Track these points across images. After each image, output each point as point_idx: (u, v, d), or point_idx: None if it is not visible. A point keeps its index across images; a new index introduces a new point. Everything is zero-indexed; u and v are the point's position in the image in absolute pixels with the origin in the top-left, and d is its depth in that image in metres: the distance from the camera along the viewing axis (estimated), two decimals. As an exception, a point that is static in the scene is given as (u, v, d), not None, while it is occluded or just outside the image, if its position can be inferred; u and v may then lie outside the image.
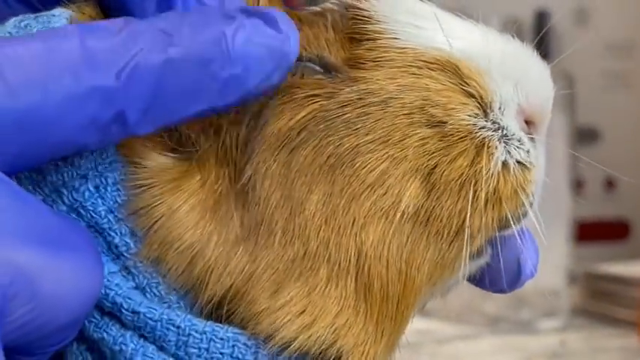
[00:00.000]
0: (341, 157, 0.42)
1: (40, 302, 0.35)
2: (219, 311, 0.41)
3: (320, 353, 0.41)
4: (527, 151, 0.44)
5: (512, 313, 1.28)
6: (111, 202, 0.40)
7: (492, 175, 0.43)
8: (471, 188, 0.42)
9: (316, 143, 0.42)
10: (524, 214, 0.45)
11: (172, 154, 0.42)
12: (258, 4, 0.45)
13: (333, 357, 0.41)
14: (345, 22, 0.45)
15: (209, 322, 0.40)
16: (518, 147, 0.44)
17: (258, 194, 0.41)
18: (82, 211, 0.40)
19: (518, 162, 0.44)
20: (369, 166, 0.42)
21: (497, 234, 0.44)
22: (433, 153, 0.42)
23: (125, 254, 0.40)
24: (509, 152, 0.44)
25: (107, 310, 0.40)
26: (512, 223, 0.44)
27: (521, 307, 1.27)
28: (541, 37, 1.51)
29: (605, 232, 1.74)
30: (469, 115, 0.43)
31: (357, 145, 0.42)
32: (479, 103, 0.44)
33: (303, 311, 0.41)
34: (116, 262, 0.41)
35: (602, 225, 1.73)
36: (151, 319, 0.40)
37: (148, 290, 0.41)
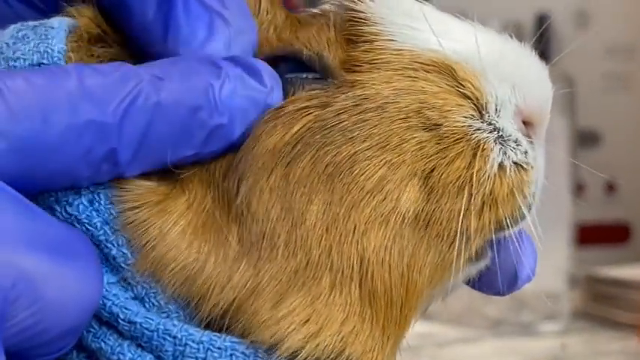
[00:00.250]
0: (339, 166, 0.42)
1: (42, 307, 0.36)
2: (222, 321, 0.41)
3: None
4: (525, 152, 0.44)
5: (513, 315, 1.28)
6: (106, 215, 0.40)
7: (489, 176, 0.43)
8: (467, 190, 0.42)
9: (313, 154, 0.42)
10: (523, 216, 0.44)
11: (156, 177, 0.42)
12: (259, 4, 0.45)
13: None
14: (342, 24, 0.45)
15: (206, 332, 0.40)
16: (514, 148, 0.44)
17: (256, 211, 0.41)
18: (76, 224, 0.40)
19: (515, 163, 0.44)
20: (367, 172, 0.42)
21: (495, 236, 0.44)
22: (430, 156, 0.43)
23: (123, 265, 0.40)
24: (505, 153, 0.44)
25: (105, 319, 0.40)
26: (509, 224, 0.44)
27: (522, 310, 1.27)
28: (541, 39, 1.51)
29: (606, 236, 1.74)
30: (465, 117, 0.43)
31: (355, 152, 0.42)
32: (474, 104, 0.44)
33: (308, 320, 0.41)
34: (114, 274, 0.41)
35: (603, 228, 1.73)
36: (147, 329, 0.40)
37: (147, 300, 0.41)
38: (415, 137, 0.42)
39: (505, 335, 1.25)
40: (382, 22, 0.44)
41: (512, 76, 0.44)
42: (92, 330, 0.41)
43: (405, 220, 0.42)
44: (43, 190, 0.39)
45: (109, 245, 0.40)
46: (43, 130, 0.37)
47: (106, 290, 0.40)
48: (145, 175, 0.41)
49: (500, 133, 0.44)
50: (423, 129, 0.43)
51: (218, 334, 0.40)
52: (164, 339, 0.40)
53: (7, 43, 0.41)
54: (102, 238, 0.40)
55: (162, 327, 0.40)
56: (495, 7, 1.64)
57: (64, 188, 0.40)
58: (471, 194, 0.43)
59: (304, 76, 0.43)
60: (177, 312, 0.41)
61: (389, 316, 0.43)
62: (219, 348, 0.40)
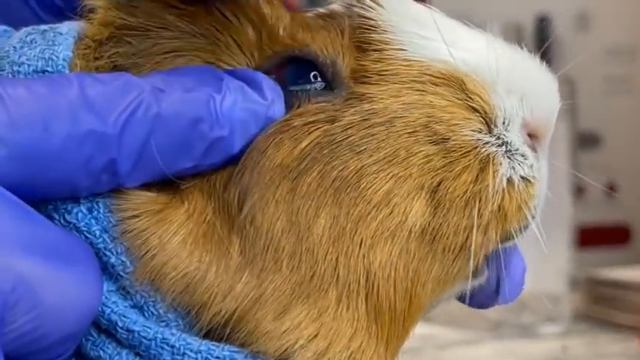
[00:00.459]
0: (346, 180, 0.42)
1: (42, 312, 0.36)
2: (222, 330, 0.41)
3: None
4: (531, 166, 0.44)
5: (514, 318, 1.28)
6: (105, 223, 0.40)
7: (497, 191, 0.43)
8: (476, 205, 0.42)
9: (321, 168, 0.42)
10: (526, 227, 0.45)
11: (155, 187, 0.42)
12: (260, 11, 0.45)
13: None
14: (353, 30, 0.45)
15: (205, 341, 0.40)
16: (522, 162, 0.44)
17: (261, 224, 0.41)
18: (75, 232, 0.40)
19: (523, 177, 0.44)
20: (374, 186, 0.42)
21: (500, 248, 0.44)
22: (437, 170, 0.42)
23: (121, 273, 0.40)
24: (513, 168, 0.44)
25: (103, 327, 0.40)
26: (515, 236, 0.44)
27: (522, 312, 1.27)
28: (542, 42, 1.51)
29: (606, 238, 1.74)
30: (473, 131, 0.43)
31: (362, 166, 0.42)
32: (483, 118, 0.43)
33: (317, 335, 0.41)
34: (113, 282, 0.41)
35: (603, 230, 1.73)
36: (145, 337, 0.40)
37: (146, 309, 0.41)
38: (422, 151, 0.42)
39: (505, 337, 1.25)
40: (392, 30, 0.44)
41: (521, 88, 0.44)
42: (91, 338, 0.41)
43: (412, 235, 0.42)
44: (43, 199, 0.39)
45: (108, 253, 0.40)
46: (43, 139, 0.37)
47: (106, 297, 0.40)
48: (145, 185, 0.41)
49: (509, 147, 0.44)
50: (430, 143, 0.43)
51: (216, 344, 0.40)
52: (162, 348, 0.40)
53: (14, 47, 0.41)
54: (101, 246, 0.40)
55: (160, 336, 0.40)
56: (496, 9, 1.65)
57: (64, 197, 0.40)
58: (479, 209, 0.42)
59: (308, 87, 0.43)
60: (176, 321, 0.41)
61: (392, 331, 0.43)
62: (217, 357, 0.40)
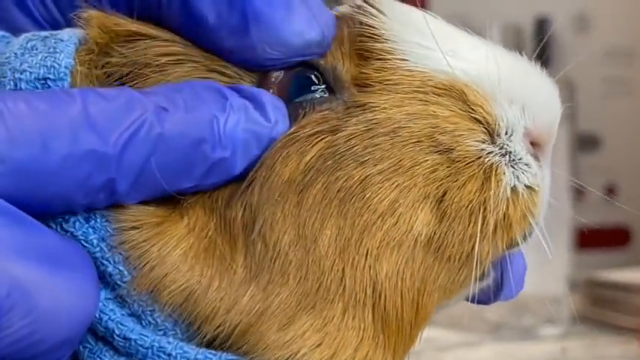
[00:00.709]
0: (351, 190, 0.42)
1: (37, 317, 0.36)
2: (224, 342, 0.41)
3: None
4: (535, 175, 0.45)
5: (514, 320, 1.28)
6: (102, 232, 0.40)
7: (502, 200, 0.43)
8: (481, 214, 0.43)
9: (325, 179, 0.42)
10: (530, 234, 0.45)
11: (154, 201, 0.41)
12: None
13: None
14: (354, 38, 0.44)
15: (201, 350, 0.40)
16: (525, 171, 0.44)
17: (270, 240, 0.41)
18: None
19: (527, 186, 0.44)
20: (379, 196, 0.42)
21: (504, 255, 0.45)
22: (442, 179, 0.42)
23: (119, 283, 0.40)
24: (517, 177, 0.44)
25: (100, 334, 0.40)
26: (519, 244, 0.44)
27: (522, 314, 1.27)
28: (541, 43, 1.51)
29: (606, 239, 1.74)
30: (477, 141, 0.43)
31: (367, 176, 0.42)
32: (486, 128, 0.44)
33: (320, 344, 0.41)
34: (111, 291, 0.41)
35: (603, 232, 1.73)
36: (142, 345, 0.40)
37: (143, 317, 0.41)
38: (427, 160, 0.42)
39: (505, 339, 1.25)
40: (394, 40, 0.44)
41: (522, 98, 0.44)
42: (88, 345, 0.41)
43: (418, 244, 0.42)
44: (38, 215, 0.39)
45: (105, 262, 0.40)
46: (41, 156, 0.37)
47: (103, 305, 0.40)
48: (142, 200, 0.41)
49: (512, 157, 0.44)
50: (435, 152, 0.43)
51: (213, 352, 0.40)
52: (158, 356, 0.40)
53: (15, 54, 0.41)
54: (98, 255, 0.40)
55: (156, 344, 0.40)
56: (495, 11, 1.65)
57: (59, 213, 0.40)
58: (484, 218, 0.43)
59: (310, 97, 0.43)
60: (173, 329, 0.41)
61: (399, 340, 0.43)
62: None
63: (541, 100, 0.45)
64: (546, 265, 1.19)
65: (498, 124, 0.44)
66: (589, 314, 1.35)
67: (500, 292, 0.46)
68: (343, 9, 0.46)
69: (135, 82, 0.42)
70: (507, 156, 0.44)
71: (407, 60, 0.44)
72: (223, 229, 0.42)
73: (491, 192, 0.43)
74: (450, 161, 0.43)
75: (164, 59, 0.42)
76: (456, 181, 0.43)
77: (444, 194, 0.42)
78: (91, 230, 0.40)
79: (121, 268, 0.40)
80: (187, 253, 0.41)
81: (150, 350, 0.40)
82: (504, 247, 0.44)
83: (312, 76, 0.43)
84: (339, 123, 0.42)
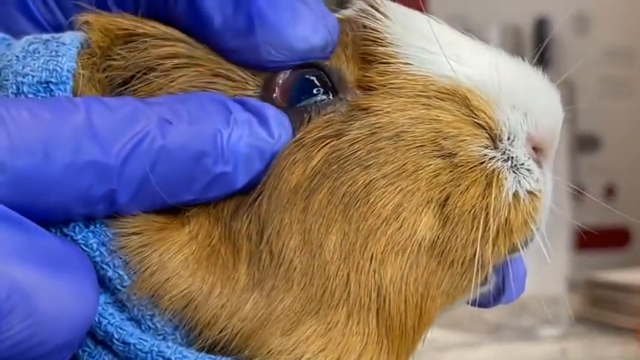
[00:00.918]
0: (355, 195, 0.42)
1: (37, 320, 0.36)
2: (226, 347, 0.40)
3: None
4: (537, 180, 0.45)
5: (513, 320, 1.28)
6: (102, 237, 0.40)
7: (503, 205, 0.43)
8: (484, 219, 0.43)
9: (330, 185, 0.42)
10: (532, 239, 0.45)
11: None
12: None
13: None
14: (358, 41, 0.44)
15: (201, 354, 0.40)
16: (527, 176, 0.44)
17: (274, 246, 0.41)
18: None
19: (528, 191, 0.44)
20: (383, 200, 0.42)
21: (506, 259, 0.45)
22: (445, 184, 0.42)
23: (119, 287, 0.40)
24: (519, 182, 0.44)
25: (100, 338, 0.40)
26: (520, 249, 0.44)
27: (522, 314, 1.27)
28: (541, 44, 1.51)
29: (606, 240, 1.74)
30: (479, 147, 0.43)
31: (370, 181, 0.42)
32: (488, 134, 0.44)
33: (324, 349, 0.41)
34: (110, 295, 0.41)
35: (603, 232, 1.73)
36: (141, 350, 0.40)
37: (143, 322, 0.40)
38: (430, 165, 0.42)
39: (505, 340, 1.25)
40: (398, 44, 0.44)
41: (525, 103, 0.44)
42: (87, 349, 0.40)
43: (422, 248, 0.42)
44: (39, 224, 0.38)
45: (105, 266, 0.40)
46: (43, 165, 0.37)
47: (102, 309, 0.40)
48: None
49: (514, 162, 0.44)
50: (438, 157, 0.43)
51: (213, 357, 0.40)
52: None
53: (17, 57, 0.41)
54: (98, 259, 0.40)
55: (155, 349, 0.40)
56: (495, 12, 1.65)
57: (58, 222, 0.39)
58: (486, 223, 0.43)
59: (314, 100, 0.43)
60: (173, 334, 0.41)
61: (403, 345, 0.43)
62: None
63: (543, 106, 0.45)
64: (546, 266, 1.19)
65: (501, 130, 0.44)
66: (588, 315, 1.35)
67: (501, 296, 0.46)
68: (348, 12, 0.46)
69: (138, 86, 0.42)
70: (509, 161, 0.44)
71: (410, 64, 0.44)
72: (228, 239, 0.41)
73: (493, 197, 0.43)
74: (452, 166, 0.43)
75: (168, 63, 0.42)
76: (458, 185, 0.43)
77: (447, 199, 0.42)
78: (90, 235, 0.40)
79: (121, 272, 0.40)
80: (189, 259, 0.41)
81: (149, 355, 0.40)
82: (506, 251, 0.44)
83: (315, 79, 0.43)
84: (343, 127, 0.42)
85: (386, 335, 0.42)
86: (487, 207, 0.43)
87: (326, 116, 0.43)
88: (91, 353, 0.40)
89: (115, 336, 0.40)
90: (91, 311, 0.38)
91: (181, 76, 0.42)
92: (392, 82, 0.43)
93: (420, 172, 0.42)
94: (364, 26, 0.45)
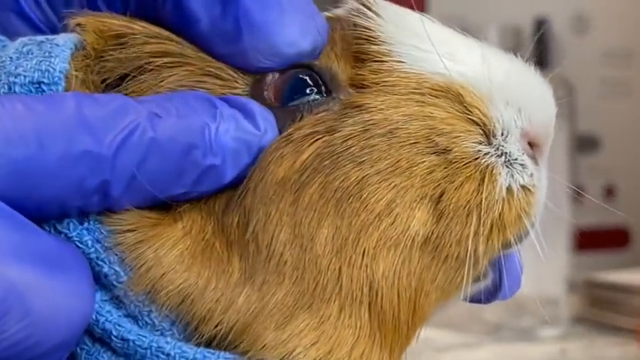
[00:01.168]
0: (348, 190, 0.42)
1: (33, 321, 0.35)
2: (222, 341, 0.41)
3: None
4: (531, 175, 0.45)
5: (513, 321, 1.28)
6: (96, 233, 0.40)
7: (497, 201, 0.43)
8: (478, 214, 0.43)
9: (322, 179, 0.42)
10: (527, 234, 0.45)
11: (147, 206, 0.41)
12: None
13: None
14: (350, 40, 0.44)
15: (200, 349, 0.40)
16: (521, 171, 0.44)
17: (263, 240, 0.41)
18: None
19: (522, 186, 0.44)
20: (376, 196, 0.42)
21: (500, 255, 0.45)
22: (439, 180, 0.43)
23: (115, 283, 0.40)
24: (512, 177, 0.44)
25: (98, 336, 0.40)
26: (514, 244, 0.44)
27: (521, 315, 1.27)
28: (540, 44, 1.51)
29: (605, 240, 1.74)
30: (473, 143, 0.43)
31: (364, 177, 0.42)
32: (482, 130, 0.44)
33: (316, 342, 0.41)
34: (107, 292, 0.40)
35: (602, 233, 1.73)
36: (140, 346, 0.40)
37: (140, 318, 0.40)
38: (424, 161, 0.42)
39: (504, 340, 1.25)
40: (390, 42, 0.44)
41: (518, 99, 0.45)
42: (85, 347, 0.40)
43: (415, 243, 0.42)
44: (33, 218, 0.38)
45: (101, 263, 0.40)
46: (37, 156, 0.37)
47: (99, 306, 0.40)
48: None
49: (508, 158, 0.44)
50: (432, 153, 0.43)
51: (212, 351, 0.40)
52: (157, 356, 0.40)
53: (10, 57, 0.41)
54: (93, 255, 0.40)
55: (155, 344, 0.40)
56: (494, 12, 1.65)
57: (53, 217, 0.39)
58: (480, 218, 0.43)
59: (306, 100, 0.43)
60: (170, 329, 0.41)
61: (396, 339, 0.43)
62: None
63: (536, 101, 0.45)
64: (545, 267, 1.19)
65: (494, 126, 0.44)
66: (588, 315, 1.36)
67: (497, 293, 0.47)
68: (339, 11, 0.46)
69: (130, 87, 0.42)
70: (503, 157, 0.44)
71: (403, 62, 0.44)
72: (221, 233, 0.42)
73: (488, 193, 0.43)
74: (447, 162, 0.43)
75: (159, 61, 0.42)
76: (453, 182, 0.43)
77: (442, 195, 0.43)
78: (85, 232, 0.40)
79: (117, 268, 0.40)
80: (184, 254, 0.41)
81: (148, 350, 0.40)
82: (500, 246, 0.44)
83: (308, 79, 0.43)
84: (336, 123, 0.42)
85: (378, 329, 0.42)
86: (481, 203, 0.43)
87: (318, 115, 0.43)
88: (89, 351, 0.40)
89: (114, 333, 0.40)
90: (87, 310, 0.38)
91: (171, 75, 0.42)
92: (385, 80, 0.43)
93: (414, 168, 0.42)
94: (356, 25, 0.45)
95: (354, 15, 0.45)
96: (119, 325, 0.40)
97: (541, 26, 1.61)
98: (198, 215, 0.42)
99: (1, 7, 0.47)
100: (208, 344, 0.41)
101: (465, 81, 0.44)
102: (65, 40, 0.42)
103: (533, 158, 0.45)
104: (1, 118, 0.36)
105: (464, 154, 0.43)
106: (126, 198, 0.39)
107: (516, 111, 0.44)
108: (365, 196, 0.42)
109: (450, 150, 0.43)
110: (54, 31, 0.46)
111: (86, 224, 0.40)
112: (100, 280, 0.40)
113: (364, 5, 0.45)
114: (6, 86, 0.40)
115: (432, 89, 0.44)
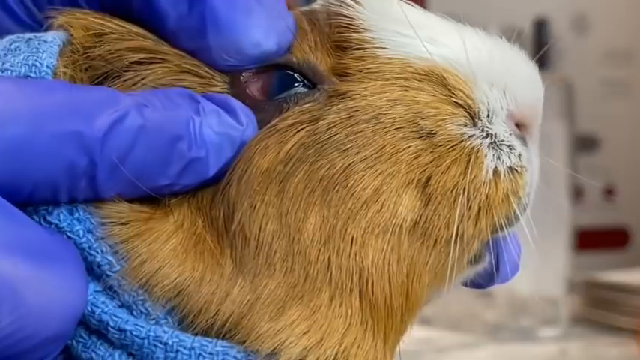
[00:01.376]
0: (334, 179, 0.42)
1: (26, 313, 0.35)
2: (218, 332, 0.41)
3: None
4: (519, 156, 0.44)
5: (512, 321, 1.28)
6: (87, 223, 0.40)
7: (484, 183, 0.43)
8: (465, 197, 0.43)
9: (307, 168, 0.42)
10: (518, 218, 0.45)
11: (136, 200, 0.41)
12: None
13: None
14: (331, 30, 0.44)
15: (197, 338, 0.40)
16: (508, 153, 0.44)
17: (251, 231, 0.41)
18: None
19: (510, 168, 0.44)
20: (362, 184, 0.42)
21: (491, 238, 0.45)
22: (426, 165, 0.42)
23: (108, 272, 0.40)
24: (499, 158, 0.44)
25: (94, 327, 0.40)
26: (505, 226, 0.44)
27: (521, 315, 1.27)
28: (540, 44, 1.51)
29: (605, 240, 1.74)
30: (458, 125, 0.43)
31: (349, 164, 0.42)
32: (467, 112, 0.44)
33: (307, 331, 0.41)
34: (100, 282, 0.40)
35: (602, 233, 1.73)
36: (137, 336, 0.40)
37: (134, 307, 0.40)
38: (410, 147, 0.42)
39: (504, 340, 1.25)
40: (372, 29, 0.44)
41: (503, 80, 0.44)
42: (81, 340, 0.40)
43: (403, 229, 0.42)
44: (24, 202, 0.38)
45: (93, 252, 0.40)
46: (30, 135, 0.37)
47: (94, 297, 0.40)
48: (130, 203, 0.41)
49: (494, 139, 0.44)
50: (418, 138, 0.43)
51: (209, 339, 0.40)
52: (155, 346, 0.40)
53: None
54: (85, 245, 0.40)
55: (152, 334, 0.40)
56: (494, 12, 1.65)
57: (43, 202, 0.39)
58: (467, 200, 0.43)
59: (293, 92, 0.43)
60: (165, 318, 0.41)
61: (390, 325, 0.43)
62: (210, 353, 0.40)
63: (522, 82, 0.45)
64: (545, 266, 1.19)
65: (479, 107, 0.44)
66: (588, 315, 1.36)
67: (496, 276, 0.47)
68: (319, 1, 0.46)
69: (114, 85, 0.42)
70: (489, 138, 0.44)
71: (386, 48, 0.44)
72: (210, 226, 0.42)
73: (474, 175, 0.43)
74: (433, 146, 0.43)
75: (136, 56, 0.43)
76: (439, 165, 0.43)
77: (429, 179, 0.42)
78: (76, 222, 0.40)
79: (110, 257, 0.40)
80: (177, 248, 0.41)
81: (146, 340, 0.40)
82: (489, 228, 0.44)
83: (295, 74, 0.43)
84: (320, 113, 0.42)
85: (371, 316, 0.42)
86: (468, 185, 0.43)
87: (304, 106, 0.43)
88: (85, 344, 0.40)
89: (111, 324, 0.40)
90: (81, 302, 0.38)
91: (150, 72, 0.42)
92: (368, 66, 0.43)
93: (400, 154, 0.42)
94: (337, 14, 0.45)
95: (334, 4, 0.45)
96: (115, 316, 0.40)
97: (541, 26, 1.61)
98: (189, 210, 0.42)
99: None
100: (204, 334, 0.41)
101: (447, 64, 0.44)
102: (53, 37, 0.42)
103: (522, 139, 0.45)
104: None
105: (449, 137, 0.43)
106: (111, 184, 0.39)
107: (501, 92, 0.44)
108: (351, 184, 0.42)
109: (435, 133, 0.43)
110: (41, 26, 0.46)
111: (76, 214, 0.40)
112: (92, 271, 0.40)
113: None
114: None
115: (416, 73, 0.43)
